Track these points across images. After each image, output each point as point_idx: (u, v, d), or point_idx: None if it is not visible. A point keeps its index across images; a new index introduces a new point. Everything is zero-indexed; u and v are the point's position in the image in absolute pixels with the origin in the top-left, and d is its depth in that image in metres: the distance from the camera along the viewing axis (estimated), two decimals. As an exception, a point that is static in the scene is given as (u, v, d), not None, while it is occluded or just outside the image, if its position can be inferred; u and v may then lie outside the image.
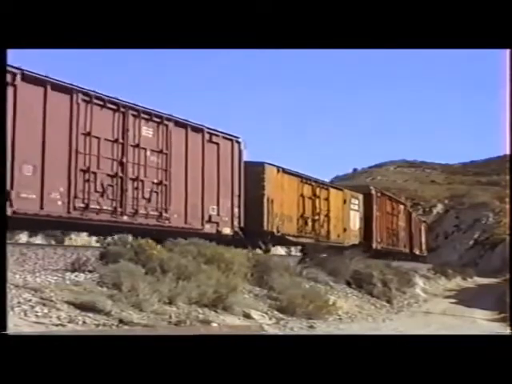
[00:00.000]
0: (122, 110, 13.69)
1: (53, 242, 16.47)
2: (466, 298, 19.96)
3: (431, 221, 59.50)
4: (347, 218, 25.15)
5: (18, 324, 5.97)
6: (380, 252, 27.33)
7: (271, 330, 8.67)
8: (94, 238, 16.10)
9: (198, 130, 15.78)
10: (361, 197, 26.97)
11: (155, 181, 14.37)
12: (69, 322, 6.50)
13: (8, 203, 11.04)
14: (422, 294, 19.83)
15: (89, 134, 12.88)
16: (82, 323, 6.60)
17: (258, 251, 16.14)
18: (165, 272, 8.84)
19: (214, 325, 7.97)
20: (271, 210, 19.02)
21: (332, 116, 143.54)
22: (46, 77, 12.14)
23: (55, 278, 8.09)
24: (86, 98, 12.87)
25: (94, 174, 12.99)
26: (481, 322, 13.23)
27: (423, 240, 42.89)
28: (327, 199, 23.14)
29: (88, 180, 12.85)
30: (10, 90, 11.14)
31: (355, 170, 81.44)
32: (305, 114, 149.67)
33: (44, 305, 6.78)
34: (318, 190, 22.53)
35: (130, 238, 10.63)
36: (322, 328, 9.48)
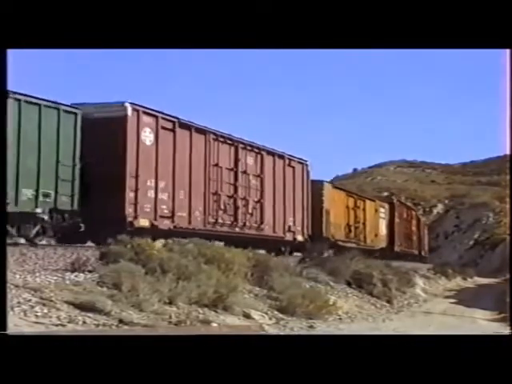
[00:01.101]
0: (235, 144, 17.65)
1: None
2: (466, 298, 19.95)
3: (431, 221, 59.51)
4: (377, 225, 29.72)
5: (18, 324, 5.98)
6: (399, 254, 31.53)
7: (271, 330, 8.67)
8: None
9: (281, 156, 20.04)
10: (387, 206, 31.85)
11: (255, 199, 18.51)
12: (69, 322, 6.50)
13: (169, 220, 15.06)
14: (422, 294, 19.82)
15: (216, 164, 16.90)
16: (82, 323, 6.60)
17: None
18: (165, 272, 8.84)
19: (214, 325, 7.96)
20: (328, 220, 23.44)
21: (332, 116, 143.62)
22: (190, 122, 16.01)
23: (55, 277, 8.09)
24: (214, 137, 16.80)
25: (219, 195, 16.92)
26: (481, 322, 13.22)
27: (426, 241, 44.98)
28: (364, 209, 27.71)
29: (216, 201, 16.79)
30: (171, 135, 15.33)
31: (355, 169, 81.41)
32: (305, 113, 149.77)
33: (44, 305, 6.78)
34: (358, 201, 27.23)
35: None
36: (322, 328, 9.48)
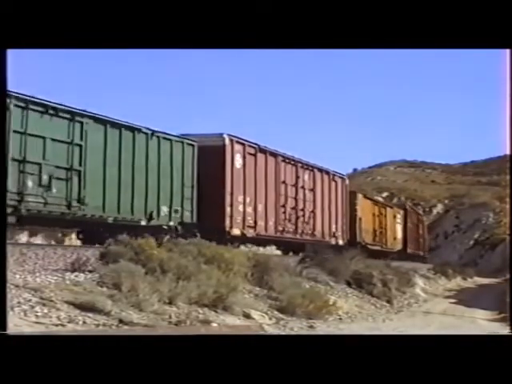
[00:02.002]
0: (296, 164, 21.44)
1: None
2: (466, 298, 19.94)
3: (431, 221, 59.48)
4: (395, 230, 33.75)
5: (18, 324, 5.97)
6: (409, 255, 35.24)
7: (271, 329, 8.67)
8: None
9: (327, 173, 23.80)
10: (401, 212, 35.91)
11: (310, 210, 22.11)
12: (69, 322, 6.50)
13: (253, 229, 18.43)
14: (422, 294, 19.81)
15: (283, 182, 20.45)
16: (82, 323, 6.59)
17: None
18: (165, 272, 8.84)
19: (214, 325, 7.96)
20: (360, 226, 27.29)
21: (332, 116, 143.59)
22: (265, 147, 19.37)
23: (55, 278, 8.09)
24: (282, 159, 20.40)
25: (285, 207, 20.52)
26: (481, 322, 13.22)
27: (427, 242, 46.77)
28: (385, 216, 31.86)
29: (283, 212, 20.33)
30: (253, 158, 18.63)
31: (355, 170, 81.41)
32: (305, 113, 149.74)
33: (44, 305, 6.78)
34: (381, 209, 31.49)
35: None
36: (322, 328, 9.48)
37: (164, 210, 15.52)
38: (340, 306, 11.76)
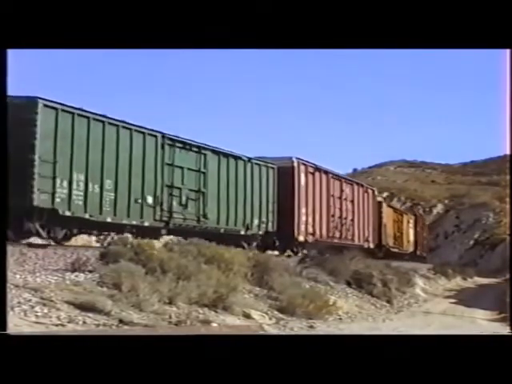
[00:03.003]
0: (341, 179, 25.20)
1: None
2: (466, 298, 19.94)
3: (431, 221, 59.44)
4: (408, 234, 37.84)
5: (18, 324, 5.98)
6: (418, 256, 39.19)
7: (271, 329, 8.67)
8: (94, 238, 18.30)
9: (361, 185, 27.85)
10: (413, 218, 40.16)
11: (350, 218, 25.51)
12: (69, 322, 6.50)
13: (312, 236, 21.89)
14: (422, 294, 19.81)
15: (333, 195, 23.87)
16: (82, 323, 6.60)
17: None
18: (165, 272, 8.84)
19: (214, 325, 7.96)
20: (385, 231, 31.60)
21: (332, 116, 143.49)
22: (320, 166, 22.95)
23: (55, 278, 8.09)
24: (331, 175, 23.96)
25: (334, 216, 23.91)
26: (481, 322, 13.22)
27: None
28: (402, 221, 36.07)
29: (332, 221, 23.73)
30: (311, 176, 22.14)
31: (355, 170, 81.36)
32: (305, 113, 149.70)
33: (44, 305, 6.78)
34: (399, 215, 35.86)
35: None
36: (322, 328, 9.48)
37: (255, 221, 19.10)
38: (340, 306, 11.76)
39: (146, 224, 14.73)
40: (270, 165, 19.93)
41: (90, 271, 8.73)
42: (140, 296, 7.70)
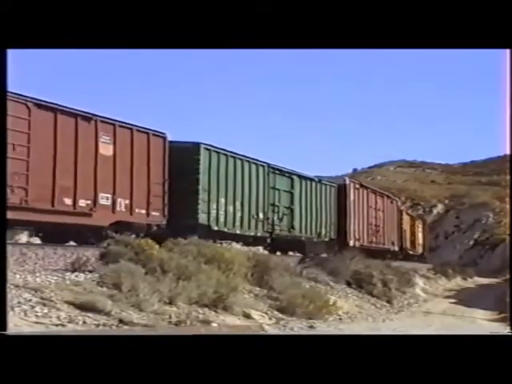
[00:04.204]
0: (376, 192, 29.88)
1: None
2: (466, 298, 19.95)
3: (431, 221, 59.43)
4: (419, 237, 42.46)
5: (18, 324, 5.97)
6: (423, 257, 43.38)
7: (271, 329, 8.67)
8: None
9: (388, 196, 32.41)
10: (422, 223, 45.08)
11: (381, 225, 29.98)
12: (69, 322, 6.50)
13: (359, 241, 26.26)
14: (422, 294, 19.82)
15: (370, 206, 28.35)
16: (82, 323, 6.59)
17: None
18: (165, 272, 8.83)
19: (214, 325, 7.96)
20: (405, 236, 36.68)
21: (332, 116, 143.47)
22: (361, 184, 28.31)
23: (55, 278, 8.08)
24: (370, 190, 28.93)
25: (371, 225, 28.46)
26: (481, 322, 13.23)
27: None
28: (415, 226, 40.82)
29: (370, 228, 28.29)
30: (357, 192, 26.91)
31: (355, 170, 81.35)
32: (305, 113, 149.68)
33: (44, 305, 6.78)
34: (413, 221, 40.53)
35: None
36: (322, 328, 9.48)
37: (323, 230, 23.82)
38: (340, 306, 11.76)
39: (259, 234, 19.33)
40: (332, 184, 25.11)
41: (90, 271, 8.73)
42: (140, 296, 7.70)
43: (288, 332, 8.76)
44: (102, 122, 13.94)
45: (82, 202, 13.43)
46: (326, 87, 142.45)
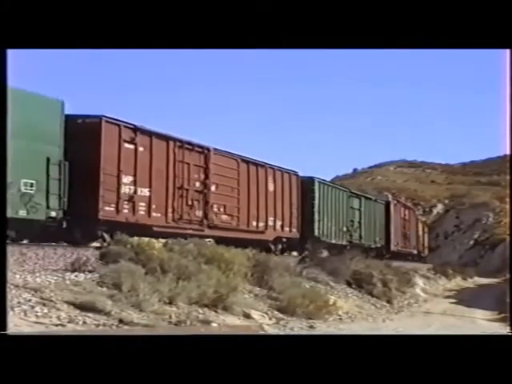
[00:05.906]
0: (405, 205, 36.04)
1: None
2: (466, 298, 19.95)
3: (431, 221, 59.45)
4: (424, 238, 45.44)
5: (18, 324, 5.98)
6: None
7: (271, 330, 8.67)
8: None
9: (410, 207, 38.42)
10: (427, 227, 48.54)
11: (408, 232, 35.72)
12: (69, 322, 6.50)
13: (395, 246, 33.14)
14: (422, 294, 19.83)
15: (402, 218, 34.29)
16: (82, 323, 6.60)
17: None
18: (165, 272, 8.83)
19: (214, 325, 7.97)
20: (420, 241, 41.42)
21: (332, 116, 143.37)
22: (397, 200, 36.84)
23: (55, 278, 8.08)
24: (402, 204, 35.64)
25: (402, 231, 34.41)
26: (481, 322, 13.23)
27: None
28: (423, 231, 44.58)
29: (403, 235, 34.72)
30: (396, 207, 33.98)
31: (355, 170, 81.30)
32: (305, 113, 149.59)
33: (44, 305, 6.78)
34: (422, 226, 44.23)
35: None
36: (322, 328, 9.48)
37: (377, 239, 29.68)
38: (340, 306, 11.76)
39: (344, 243, 24.84)
40: (381, 201, 31.35)
41: (90, 271, 8.73)
42: (140, 296, 7.70)
43: (288, 332, 8.76)
44: (269, 167, 19.74)
45: (260, 224, 19.04)
46: (326, 87, 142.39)
